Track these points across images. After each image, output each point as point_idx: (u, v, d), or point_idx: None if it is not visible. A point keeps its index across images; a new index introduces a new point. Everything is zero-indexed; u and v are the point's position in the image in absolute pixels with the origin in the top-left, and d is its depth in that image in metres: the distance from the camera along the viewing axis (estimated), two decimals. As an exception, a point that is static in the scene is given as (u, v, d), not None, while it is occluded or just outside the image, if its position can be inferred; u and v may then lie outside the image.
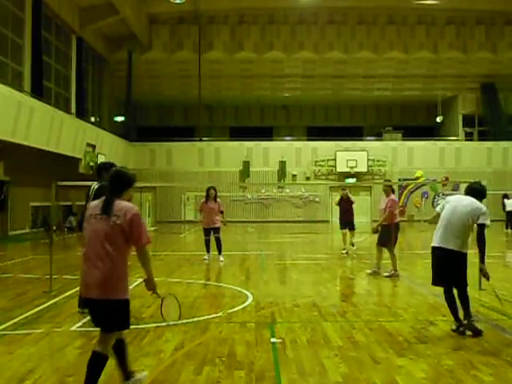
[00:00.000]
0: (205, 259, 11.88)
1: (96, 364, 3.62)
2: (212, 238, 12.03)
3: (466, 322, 5.51)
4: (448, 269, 5.66)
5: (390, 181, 10.38)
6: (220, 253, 11.97)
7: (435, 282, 5.83)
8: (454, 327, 5.62)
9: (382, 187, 10.39)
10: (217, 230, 11.98)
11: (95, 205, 3.80)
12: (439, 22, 29.97)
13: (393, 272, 9.58)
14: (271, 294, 8.07)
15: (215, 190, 11.99)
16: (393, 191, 10.13)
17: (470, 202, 5.69)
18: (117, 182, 3.83)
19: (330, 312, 6.68)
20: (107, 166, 6.27)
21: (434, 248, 5.77)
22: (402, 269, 10.97)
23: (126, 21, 25.60)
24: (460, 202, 5.75)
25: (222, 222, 12.18)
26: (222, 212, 12.12)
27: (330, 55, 30.02)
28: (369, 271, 9.92)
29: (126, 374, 3.93)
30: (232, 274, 10.15)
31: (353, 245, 13.53)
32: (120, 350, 3.89)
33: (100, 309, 3.64)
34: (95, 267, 3.61)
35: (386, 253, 9.84)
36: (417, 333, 5.62)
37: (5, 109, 15.43)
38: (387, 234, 9.67)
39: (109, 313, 3.62)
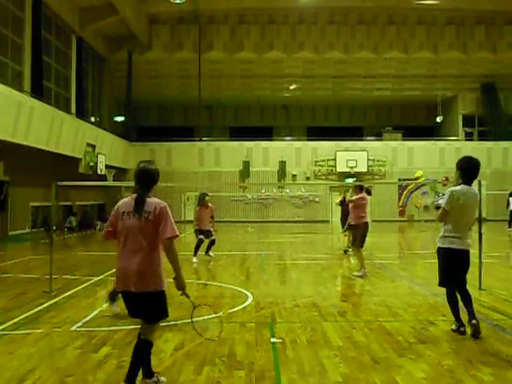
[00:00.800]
0: (194, 262, 11.84)
1: (142, 349, 3.92)
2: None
3: (474, 321, 5.34)
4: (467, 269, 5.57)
5: (361, 181, 10.46)
6: (209, 249, 12.45)
7: (447, 283, 5.58)
8: (454, 327, 5.55)
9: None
10: (210, 233, 12.30)
11: (126, 202, 3.95)
12: (439, 22, 29.97)
13: (364, 271, 9.56)
14: (271, 294, 8.07)
15: (207, 195, 12.25)
16: (367, 192, 10.12)
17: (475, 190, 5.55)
18: (145, 178, 3.98)
19: (330, 312, 6.68)
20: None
21: (464, 251, 5.42)
22: (402, 269, 10.98)
23: (126, 21, 25.60)
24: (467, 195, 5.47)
25: (212, 228, 12.42)
26: (212, 217, 12.37)
27: (329, 55, 30.02)
28: (355, 273, 9.71)
29: (148, 371, 4.04)
30: (232, 274, 10.15)
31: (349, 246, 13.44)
32: (145, 349, 4.00)
33: (139, 301, 3.82)
34: (132, 262, 3.78)
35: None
36: (417, 333, 5.62)
37: (5, 109, 15.43)
38: (357, 233, 9.67)
39: (148, 304, 3.83)
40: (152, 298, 3.81)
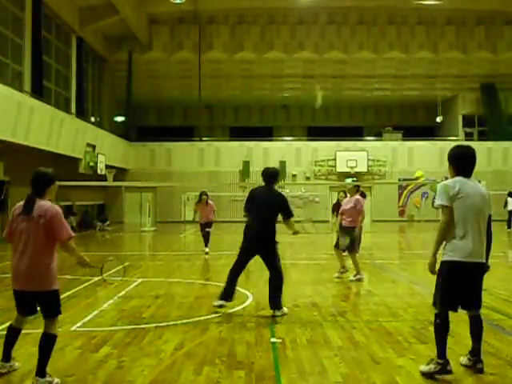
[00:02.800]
0: (206, 252, 13.01)
1: (45, 342, 4.06)
2: None
3: (480, 365, 4.35)
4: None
5: (357, 180, 9.93)
6: (206, 245, 13.24)
7: (446, 304, 4.27)
8: (433, 367, 4.24)
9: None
10: (210, 225, 13.37)
11: (20, 205, 4.17)
12: (439, 22, 29.96)
13: (360, 277, 9.41)
14: (271, 294, 8.06)
15: (207, 195, 13.46)
16: (362, 193, 9.81)
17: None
18: (36, 181, 4.13)
19: (330, 312, 6.68)
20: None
21: (479, 264, 4.20)
22: (402, 269, 10.99)
23: (126, 21, 25.59)
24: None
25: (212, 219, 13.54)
26: (213, 211, 13.65)
27: (329, 55, 30.01)
28: (352, 278, 9.37)
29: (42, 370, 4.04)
30: (232, 274, 10.13)
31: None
32: (49, 342, 4.08)
33: (32, 299, 4.09)
34: (21, 262, 4.01)
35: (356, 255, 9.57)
36: (417, 333, 5.62)
37: (5, 109, 15.42)
38: (353, 237, 9.33)
39: (41, 303, 4.10)
40: (44, 297, 4.03)
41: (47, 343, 4.03)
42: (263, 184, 6.96)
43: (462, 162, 4.30)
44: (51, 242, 4.04)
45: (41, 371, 3.97)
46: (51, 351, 4.05)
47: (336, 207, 12.42)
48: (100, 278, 3.97)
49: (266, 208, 6.66)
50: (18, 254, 4.04)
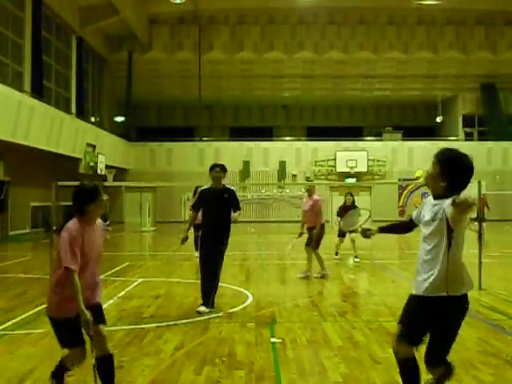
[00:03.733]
0: (197, 257, 12.02)
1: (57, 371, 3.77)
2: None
3: None
4: None
5: (312, 180, 9.89)
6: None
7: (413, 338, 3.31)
8: None
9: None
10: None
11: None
12: (439, 22, 29.97)
13: (325, 273, 9.48)
14: (271, 293, 8.07)
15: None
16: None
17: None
18: (74, 199, 3.73)
19: (329, 312, 6.68)
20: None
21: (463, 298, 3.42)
22: (402, 269, 10.98)
23: (126, 21, 25.60)
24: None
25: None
26: None
27: (329, 55, 30.02)
28: (316, 275, 9.48)
29: None
30: (232, 274, 10.15)
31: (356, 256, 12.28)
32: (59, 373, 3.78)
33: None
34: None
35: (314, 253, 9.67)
36: (417, 333, 5.61)
37: (5, 109, 15.43)
38: (318, 238, 9.45)
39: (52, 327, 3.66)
40: (51, 322, 3.63)
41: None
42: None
43: (464, 174, 3.37)
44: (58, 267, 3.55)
45: None
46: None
47: (342, 210, 12.26)
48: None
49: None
50: None
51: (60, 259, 3.43)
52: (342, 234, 12.01)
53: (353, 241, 11.86)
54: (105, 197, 3.65)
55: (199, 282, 6.78)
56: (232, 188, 7.10)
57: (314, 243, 9.45)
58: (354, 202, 12.14)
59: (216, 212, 6.75)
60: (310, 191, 9.71)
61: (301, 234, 9.68)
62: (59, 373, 3.77)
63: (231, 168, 34.98)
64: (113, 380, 3.63)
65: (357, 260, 11.75)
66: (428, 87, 33.86)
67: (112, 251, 15.28)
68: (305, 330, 5.80)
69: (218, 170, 6.82)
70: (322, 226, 9.59)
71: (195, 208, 6.98)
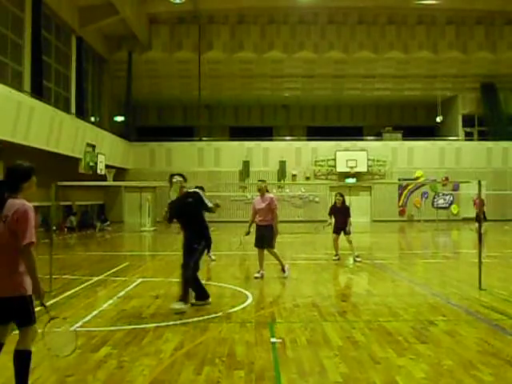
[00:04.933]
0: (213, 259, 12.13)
1: (20, 360, 3.81)
2: None
3: None
4: None
5: (264, 181, 9.82)
6: (209, 251, 12.17)
7: None
8: None
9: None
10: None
11: None
12: (439, 22, 29.97)
13: (287, 268, 9.54)
14: (271, 293, 8.07)
15: (202, 189, 12.20)
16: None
17: None
18: (10, 177, 3.70)
19: (330, 312, 6.68)
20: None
21: None
22: (402, 269, 10.98)
23: (126, 21, 25.60)
24: None
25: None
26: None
27: (329, 55, 30.02)
28: (257, 274, 9.52)
29: None
30: (232, 274, 10.15)
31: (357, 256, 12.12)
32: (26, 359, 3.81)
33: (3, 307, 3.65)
34: None
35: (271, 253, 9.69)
36: (417, 333, 5.62)
37: (5, 109, 15.42)
38: (271, 234, 9.41)
39: (13, 310, 3.67)
40: (24, 302, 3.64)
41: (24, 360, 3.73)
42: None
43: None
44: (17, 244, 3.56)
45: None
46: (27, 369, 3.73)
47: (333, 210, 12.34)
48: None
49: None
50: None
51: (24, 234, 3.49)
52: (336, 231, 12.04)
53: (349, 241, 11.87)
54: (34, 178, 3.75)
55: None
56: (195, 190, 7.16)
57: (272, 242, 9.45)
58: (344, 202, 12.17)
59: (184, 218, 7.02)
60: (262, 190, 9.65)
61: (248, 233, 9.57)
62: None
63: (231, 168, 35.05)
64: None
65: (358, 259, 11.72)
66: (428, 87, 33.86)
67: (112, 251, 15.29)
68: (305, 330, 5.80)
69: (177, 177, 6.98)
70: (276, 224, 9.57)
71: (168, 220, 7.17)
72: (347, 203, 12.58)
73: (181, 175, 7.07)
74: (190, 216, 6.95)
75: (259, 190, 9.70)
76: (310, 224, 26.54)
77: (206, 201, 7.01)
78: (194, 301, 7.00)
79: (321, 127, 36.23)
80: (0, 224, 3.55)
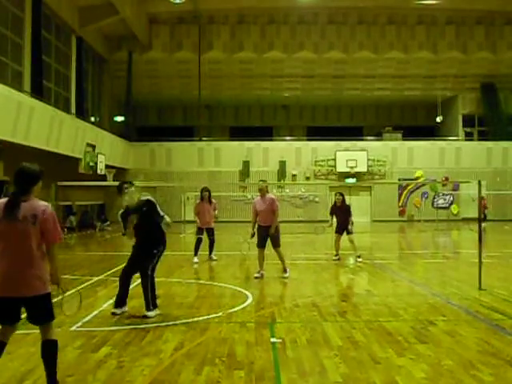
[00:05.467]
0: (195, 262, 11.80)
1: (49, 350, 3.89)
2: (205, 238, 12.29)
3: None
4: None
5: (265, 181, 9.87)
6: (211, 252, 12.29)
7: None
8: None
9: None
10: (211, 232, 12.28)
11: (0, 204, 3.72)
12: (439, 22, 29.98)
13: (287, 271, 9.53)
14: (271, 293, 8.07)
15: (209, 191, 12.31)
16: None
17: None
18: (22, 179, 3.77)
19: (330, 312, 6.68)
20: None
21: None
22: (402, 269, 10.98)
23: (126, 21, 25.60)
24: None
25: (215, 217, 12.56)
26: (215, 210, 12.57)
27: (329, 55, 30.02)
28: (257, 275, 9.53)
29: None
30: (232, 274, 10.15)
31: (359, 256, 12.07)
32: (54, 350, 3.91)
33: (22, 306, 3.76)
34: (14, 266, 3.67)
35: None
36: (417, 333, 5.62)
37: (5, 109, 15.42)
38: (278, 235, 9.45)
39: (35, 308, 3.77)
40: (38, 301, 3.73)
41: (53, 351, 3.88)
42: None
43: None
44: (42, 243, 3.75)
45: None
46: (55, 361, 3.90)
47: (334, 210, 12.33)
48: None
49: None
50: (4, 258, 3.67)
51: (55, 233, 3.73)
52: (338, 231, 12.04)
53: (351, 241, 11.87)
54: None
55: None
56: (148, 199, 6.85)
57: (279, 241, 9.50)
58: (343, 201, 12.17)
59: (141, 225, 6.78)
60: (263, 190, 9.62)
61: (253, 235, 9.58)
62: None
63: (231, 168, 35.04)
64: None
65: (359, 260, 11.72)
66: (428, 87, 33.86)
67: (112, 251, 15.28)
68: (305, 330, 5.80)
69: (127, 185, 6.85)
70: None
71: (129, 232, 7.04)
72: (347, 203, 12.58)
73: (131, 183, 6.92)
74: (148, 224, 6.72)
75: (260, 190, 9.68)
76: (310, 224, 26.56)
77: (159, 210, 6.81)
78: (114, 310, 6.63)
79: (321, 127, 36.24)
80: (28, 225, 3.64)
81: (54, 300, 3.87)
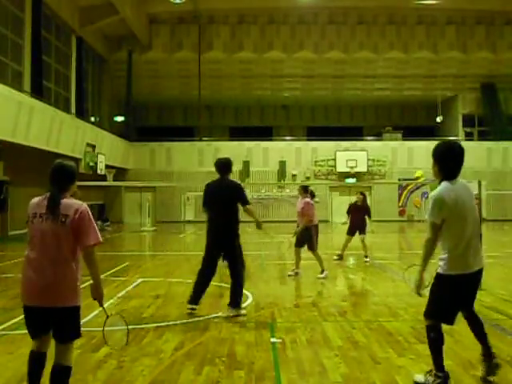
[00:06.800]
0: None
1: (59, 377, 3.41)
2: None
3: (496, 360, 4.09)
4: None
5: (305, 186, 10.12)
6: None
7: (443, 316, 3.99)
8: (431, 381, 3.96)
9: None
10: None
11: (37, 202, 3.47)
12: (439, 22, 29.98)
13: (325, 273, 9.49)
14: (271, 293, 8.07)
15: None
16: (311, 193, 9.88)
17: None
18: (60, 176, 3.48)
19: (329, 312, 6.68)
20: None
21: (480, 271, 3.97)
22: (403, 269, 10.97)
23: (126, 21, 25.61)
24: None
25: None
26: None
27: (329, 55, 30.03)
28: (290, 273, 9.68)
29: None
30: (232, 274, 10.13)
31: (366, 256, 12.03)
32: (63, 376, 3.43)
33: (48, 318, 3.34)
34: (44, 273, 3.31)
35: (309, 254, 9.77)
36: (417, 333, 5.61)
37: (5, 109, 15.43)
38: (308, 237, 9.53)
39: (61, 321, 3.35)
40: (66, 314, 3.33)
41: (62, 377, 3.38)
42: (218, 177, 7.00)
43: (451, 163, 3.95)
44: (78, 247, 3.43)
45: None
46: None
47: (352, 209, 12.23)
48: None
49: (221, 201, 6.62)
50: (35, 262, 3.35)
51: (90, 234, 3.40)
52: (350, 233, 11.99)
53: (363, 241, 11.86)
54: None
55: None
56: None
57: (312, 243, 9.57)
58: (364, 200, 12.16)
59: None
60: (300, 192, 9.88)
61: (295, 234, 9.79)
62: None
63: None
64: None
65: (367, 260, 11.69)
66: (428, 87, 33.86)
67: (112, 251, 15.29)
68: (305, 329, 5.80)
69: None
70: (316, 227, 9.81)
71: None
72: (348, 203, 12.60)
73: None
74: (226, 206, 6.77)
75: (298, 191, 10.07)
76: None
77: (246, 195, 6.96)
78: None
79: (321, 127, 36.25)
80: (57, 224, 3.34)
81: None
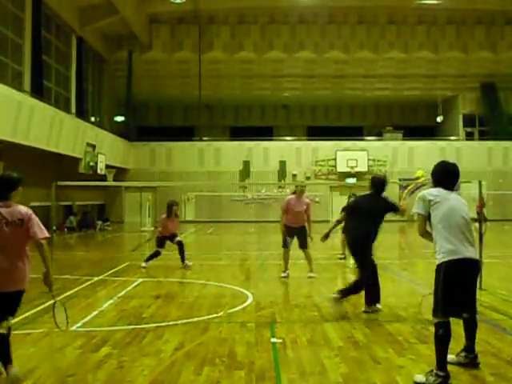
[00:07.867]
0: (143, 267, 10.86)
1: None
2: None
3: (477, 360, 4.43)
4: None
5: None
6: (183, 258, 10.97)
7: (449, 311, 4.16)
8: (432, 381, 4.03)
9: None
10: (175, 236, 11.37)
11: None
12: (439, 22, 29.96)
13: (314, 274, 9.53)
14: (271, 294, 8.06)
15: (177, 204, 11.72)
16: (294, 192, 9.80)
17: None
18: (2, 186, 4.15)
19: (330, 312, 6.67)
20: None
21: (474, 261, 4.23)
22: (402, 269, 10.98)
23: (126, 21, 25.60)
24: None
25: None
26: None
27: (330, 55, 30.01)
28: (283, 275, 9.55)
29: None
30: (232, 274, 10.15)
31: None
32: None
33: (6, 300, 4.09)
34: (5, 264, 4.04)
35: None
36: (417, 333, 5.61)
37: (5, 109, 15.42)
38: (305, 235, 9.56)
39: (15, 302, 4.15)
40: (18, 296, 4.13)
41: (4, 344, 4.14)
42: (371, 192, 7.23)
43: (444, 180, 4.62)
44: (26, 243, 4.17)
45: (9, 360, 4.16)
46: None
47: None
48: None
49: (368, 216, 7.01)
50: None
51: (41, 231, 4.15)
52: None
53: None
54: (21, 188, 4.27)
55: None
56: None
57: (307, 242, 9.60)
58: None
59: None
60: (303, 192, 9.75)
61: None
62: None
63: (231, 168, 34.99)
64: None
65: None
66: (428, 87, 33.86)
67: (112, 251, 15.29)
68: (305, 329, 5.79)
69: None
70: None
71: None
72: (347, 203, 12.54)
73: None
74: (372, 222, 7.40)
75: (298, 192, 9.66)
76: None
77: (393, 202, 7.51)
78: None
79: (321, 127, 36.23)
80: (15, 228, 4.05)
81: (45, 305, 4.12)
